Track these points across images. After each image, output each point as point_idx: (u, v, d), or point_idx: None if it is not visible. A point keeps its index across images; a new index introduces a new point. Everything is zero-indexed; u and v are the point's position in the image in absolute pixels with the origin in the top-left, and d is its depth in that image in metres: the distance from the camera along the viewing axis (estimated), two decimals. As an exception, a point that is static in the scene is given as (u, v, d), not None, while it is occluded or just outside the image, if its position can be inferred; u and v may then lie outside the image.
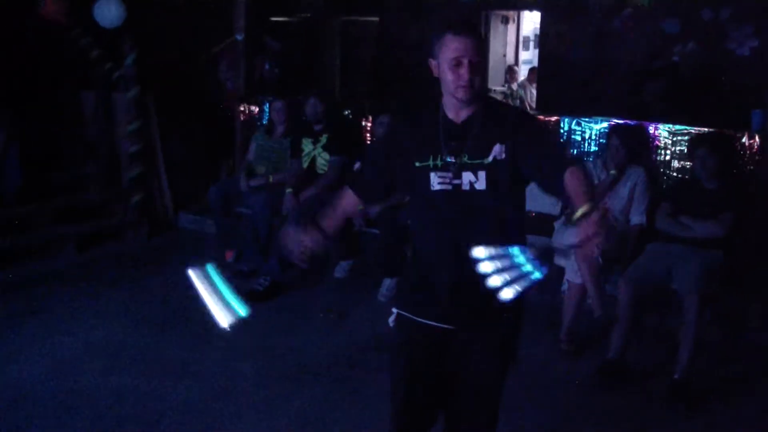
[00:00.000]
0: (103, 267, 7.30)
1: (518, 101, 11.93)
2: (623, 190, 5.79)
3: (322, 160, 6.93)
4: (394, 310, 3.17)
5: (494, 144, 2.89)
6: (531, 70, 12.41)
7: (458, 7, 10.24)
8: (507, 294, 2.57)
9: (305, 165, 6.99)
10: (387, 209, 6.38)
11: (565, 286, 5.70)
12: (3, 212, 7.32)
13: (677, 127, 6.27)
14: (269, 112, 7.70)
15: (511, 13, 12.09)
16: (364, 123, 7.59)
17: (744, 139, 5.96)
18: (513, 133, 2.89)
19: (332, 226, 3.39)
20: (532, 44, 13.31)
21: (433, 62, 2.96)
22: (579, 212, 2.60)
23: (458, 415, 3.14)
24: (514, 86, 12.10)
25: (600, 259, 5.39)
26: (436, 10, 10.40)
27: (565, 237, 5.56)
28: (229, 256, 7.35)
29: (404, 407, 3.16)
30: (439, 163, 2.95)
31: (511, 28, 12.56)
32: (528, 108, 11.44)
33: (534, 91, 11.86)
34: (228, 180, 7.83)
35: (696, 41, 8.71)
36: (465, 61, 2.83)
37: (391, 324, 3.18)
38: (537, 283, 2.59)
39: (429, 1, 10.42)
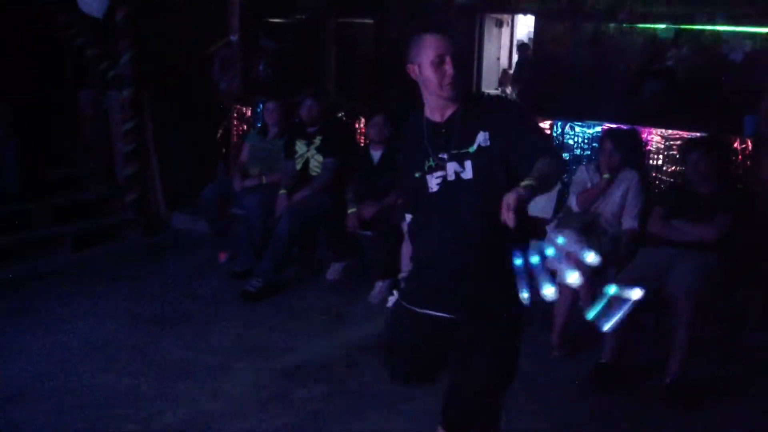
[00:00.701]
0: (100, 266, 7.31)
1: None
2: (616, 194, 5.81)
3: (316, 161, 6.94)
4: (395, 292, 3.33)
5: (477, 132, 2.93)
6: (504, 72, 12.45)
7: (454, 9, 10.27)
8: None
9: (299, 166, 7.00)
10: (381, 211, 6.40)
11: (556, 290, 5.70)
12: (0, 210, 7.33)
13: (670, 131, 6.29)
14: (263, 113, 7.71)
15: (506, 17, 12.11)
16: (357, 125, 7.60)
17: (736, 144, 5.99)
18: (495, 119, 2.94)
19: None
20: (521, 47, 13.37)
21: (412, 67, 3.04)
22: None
23: (457, 413, 3.15)
24: (508, 89, 12.14)
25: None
26: (432, 12, 10.44)
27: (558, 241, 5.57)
28: (223, 256, 7.37)
29: (401, 368, 3.36)
30: (433, 164, 3.00)
31: (505, 31, 12.60)
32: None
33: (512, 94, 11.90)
34: (222, 180, 7.84)
35: (690, 46, 8.75)
36: (447, 58, 2.92)
37: (389, 305, 3.27)
38: None
39: (425, 4, 10.45)
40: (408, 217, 3.28)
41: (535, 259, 2.81)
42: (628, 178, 5.83)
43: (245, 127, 8.49)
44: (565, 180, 6.38)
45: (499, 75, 12.30)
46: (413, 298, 3.18)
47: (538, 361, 5.36)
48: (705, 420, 4.68)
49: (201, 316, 6.09)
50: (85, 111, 8.71)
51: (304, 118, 7.02)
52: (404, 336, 3.28)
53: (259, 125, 7.93)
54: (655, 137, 6.33)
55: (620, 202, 5.80)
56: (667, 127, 6.35)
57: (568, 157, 6.66)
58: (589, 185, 5.90)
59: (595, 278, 5.54)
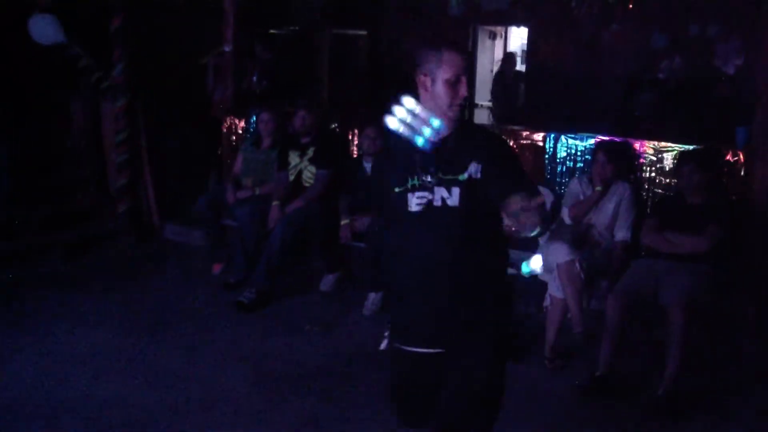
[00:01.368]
0: (91, 275, 7.29)
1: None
2: (608, 206, 5.82)
3: (309, 173, 6.95)
4: (386, 333, 3.23)
5: (470, 162, 2.89)
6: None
7: (447, 21, 10.30)
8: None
9: (292, 177, 7.00)
10: (374, 222, 6.40)
11: (548, 302, 5.72)
12: (-9, 217, 7.32)
13: (663, 143, 6.31)
14: (256, 124, 7.71)
15: (499, 29, 12.14)
16: (350, 136, 7.61)
17: (729, 156, 6.01)
18: (487, 154, 2.90)
19: None
20: (519, 59, 13.37)
21: (424, 78, 2.94)
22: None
23: (454, 421, 3.11)
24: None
25: (582, 275, 5.43)
26: (426, 24, 10.47)
27: (550, 253, 5.59)
28: (217, 268, 7.36)
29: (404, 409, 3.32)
30: (417, 183, 2.95)
31: (499, 43, 12.61)
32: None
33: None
34: (216, 190, 7.84)
35: (682, 57, 8.77)
36: (463, 78, 2.88)
37: (383, 347, 3.25)
38: None
39: (419, 15, 10.48)
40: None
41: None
42: (621, 191, 5.85)
43: (234, 138, 8.48)
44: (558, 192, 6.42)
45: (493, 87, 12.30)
46: (401, 336, 3.16)
47: (529, 373, 5.36)
48: (695, 431, 4.69)
49: (194, 327, 6.08)
50: (78, 120, 8.70)
51: (297, 129, 7.02)
52: (404, 376, 3.26)
53: (253, 136, 7.92)
54: (647, 149, 6.34)
55: (613, 214, 5.82)
56: (659, 139, 6.37)
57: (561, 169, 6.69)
58: (581, 197, 5.91)
59: (585, 291, 5.58)
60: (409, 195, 2.95)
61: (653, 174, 6.31)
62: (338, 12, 11.06)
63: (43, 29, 7.79)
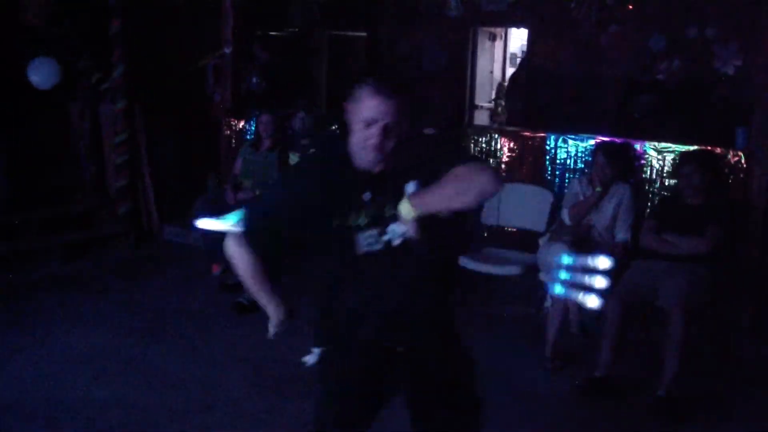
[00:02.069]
0: (90, 277, 7.30)
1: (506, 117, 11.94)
2: (608, 207, 5.81)
3: (309, 174, 6.93)
4: (315, 350, 2.96)
5: (409, 184, 2.62)
6: (499, 85, 12.43)
7: (447, 22, 10.30)
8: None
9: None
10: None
11: (548, 302, 5.72)
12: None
13: (662, 144, 6.31)
14: (256, 126, 7.71)
15: (498, 30, 12.12)
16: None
17: (728, 157, 6.01)
18: (424, 164, 2.69)
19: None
20: (518, 61, 13.36)
21: (348, 106, 2.70)
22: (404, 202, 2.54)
23: (436, 415, 3.01)
24: (503, 103, 12.11)
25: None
26: (426, 25, 10.46)
27: (550, 254, 5.59)
28: (216, 269, 7.34)
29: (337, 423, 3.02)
30: (362, 221, 2.71)
31: (498, 44, 12.59)
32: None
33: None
34: (215, 192, 7.82)
35: (681, 58, 8.77)
36: (379, 124, 2.61)
37: (310, 363, 2.97)
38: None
39: (418, 17, 10.48)
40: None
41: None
42: (621, 192, 5.84)
43: (234, 140, 8.48)
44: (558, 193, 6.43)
45: (495, 88, 12.26)
46: (338, 341, 2.94)
47: (529, 374, 5.36)
48: (697, 432, 4.69)
49: (193, 328, 6.07)
50: (77, 122, 8.70)
51: (297, 130, 7.02)
52: (341, 387, 3.00)
53: (252, 138, 7.92)
54: (647, 150, 6.34)
55: (612, 215, 5.81)
56: (659, 140, 6.37)
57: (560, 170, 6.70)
58: (581, 198, 5.91)
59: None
60: (358, 235, 2.72)
61: (653, 175, 6.31)
62: (337, 13, 11.05)
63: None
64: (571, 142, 6.69)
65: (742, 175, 5.98)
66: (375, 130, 2.61)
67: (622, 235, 5.80)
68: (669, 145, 6.28)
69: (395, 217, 2.62)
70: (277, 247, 2.85)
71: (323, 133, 7.34)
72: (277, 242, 2.82)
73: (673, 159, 6.14)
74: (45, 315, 6.21)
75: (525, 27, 10.59)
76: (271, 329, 3.08)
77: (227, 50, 8.58)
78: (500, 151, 7.05)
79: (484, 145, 7.11)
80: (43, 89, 7.88)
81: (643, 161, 6.34)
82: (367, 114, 2.61)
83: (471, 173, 2.58)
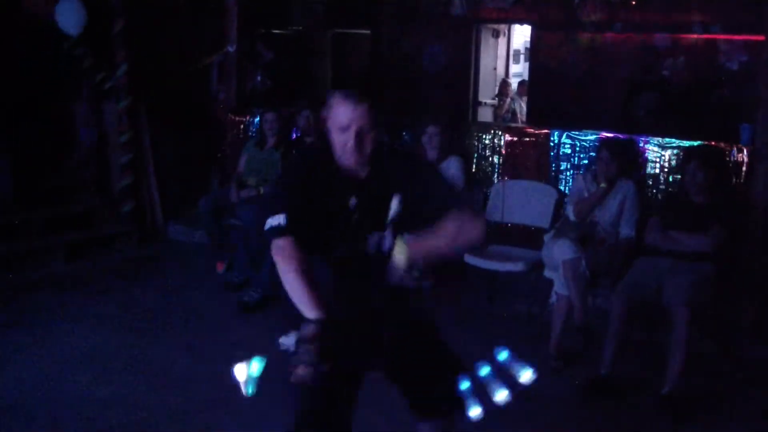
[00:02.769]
0: (93, 276, 7.30)
1: (510, 115, 11.94)
2: (612, 204, 5.80)
3: (313, 172, 6.92)
4: (292, 332, 2.94)
5: (392, 198, 2.89)
6: (520, 84, 12.43)
7: (449, 20, 10.28)
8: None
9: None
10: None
11: (553, 299, 5.71)
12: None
13: (667, 140, 6.30)
14: (261, 124, 7.70)
15: (502, 27, 12.10)
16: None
17: (733, 153, 5.99)
18: (407, 182, 2.90)
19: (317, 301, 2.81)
20: (522, 57, 13.34)
21: (323, 116, 2.96)
22: (402, 251, 2.74)
23: (421, 383, 3.18)
24: (508, 100, 12.10)
25: (587, 273, 5.42)
26: (429, 22, 10.45)
27: (555, 250, 5.58)
28: (221, 267, 7.35)
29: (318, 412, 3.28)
30: (349, 225, 2.91)
31: (502, 41, 12.57)
32: (519, 121, 11.47)
33: (524, 105, 11.90)
34: (219, 191, 7.83)
35: (686, 56, 8.75)
36: (353, 128, 2.82)
37: (286, 345, 2.98)
38: None
39: (421, 15, 10.47)
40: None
41: (485, 371, 2.78)
42: (625, 188, 5.82)
43: (240, 137, 8.48)
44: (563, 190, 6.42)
45: (498, 85, 12.25)
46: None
47: (539, 371, 5.34)
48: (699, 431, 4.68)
49: (197, 327, 6.07)
50: (81, 121, 8.70)
51: (302, 129, 7.01)
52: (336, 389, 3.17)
53: (256, 136, 7.91)
54: (651, 147, 6.33)
55: (617, 212, 5.79)
56: (663, 137, 6.36)
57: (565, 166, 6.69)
58: (585, 194, 5.90)
59: (589, 289, 5.56)
60: (338, 237, 2.92)
61: (657, 171, 6.29)
62: (340, 12, 11.05)
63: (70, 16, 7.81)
64: (575, 137, 6.67)
65: (745, 173, 5.95)
66: (350, 133, 2.82)
67: (626, 231, 5.78)
68: (673, 141, 6.27)
69: (373, 226, 2.87)
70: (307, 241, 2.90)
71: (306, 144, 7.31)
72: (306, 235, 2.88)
73: (677, 155, 6.13)
74: (46, 315, 6.22)
75: (528, 24, 10.57)
76: (286, 341, 2.99)
77: (231, 48, 8.58)
78: (504, 148, 7.04)
79: (487, 142, 7.10)
80: (73, 34, 7.86)
81: (647, 157, 6.32)
82: (341, 119, 2.83)
83: (461, 228, 2.83)
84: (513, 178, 6.93)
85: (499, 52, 12.51)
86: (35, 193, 7.92)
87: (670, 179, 6.25)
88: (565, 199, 6.18)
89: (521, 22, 10.96)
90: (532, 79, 10.65)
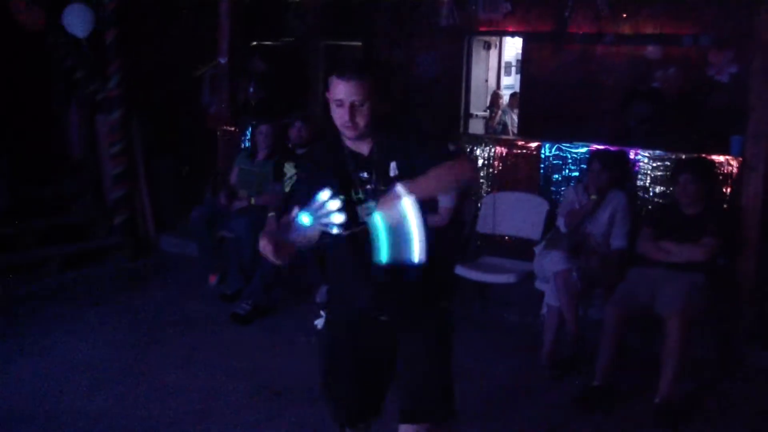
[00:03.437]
0: (86, 288, 7.29)
1: (501, 127, 11.97)
2: (603, 215, 5.83)
3: (304, 184, 6.93)
4: (323, 312, 3.37)
5: (390, 164, 3.06)
6: (512, 96, 12.47)
7: (441, 32, 10.31)
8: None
9: (288, 189, 6.99)
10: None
11: (545, 310, 5.73)
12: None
13: (658, 152, 6.33)
14: (253, 135, 7.71)
15: (493, 39, 12.13)
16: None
17: (723, 165, 6.02)
18: (407, 154, 3.05)
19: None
20: (513, 69, 13.38)
21: (327, 94, 3.07)
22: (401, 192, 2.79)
23: (412, 401, 3.21)
24: (499, 112, 12.14)
25: (579, 284, 5.44)
26: (420, 34, 10.48)
27: (547, 262, 5.60)
28: (213, 279, 7.36)
29: (345, 400, 3.36)
30: (362, 196, 3.09)
31: (493, 53, 12.60)
32: (510, 133, 11.51)
33: (515, 117, 11.94)
34: (211, 202, 7.84)
35: (677, 67, 8.80)
36: (347, 104, 2.96)
37: (319, 326, 3.37)
38: None
39: (412, 26, 10.49)
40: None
41: None
42: (616, 199, 5.85)
43: (230, 149, 8.49)
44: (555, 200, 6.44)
45: (489, 97, 12.28)
46: (341, 304, 3.32)
47: (525, 382, 5.37)
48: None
49: (190, 338, 6.07)
50: (73, 132, 8.70)
51: (294, 140, 7.03)
52: (341, 358, 3.34)
53: (248, 148, 7.93)
54: (642, 158, 6.36)
55: (608, 223, 5.82)
56: (654, 149, 6.39)
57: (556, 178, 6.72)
58: (576, 206, 5.93)
59: (582, 300, 5.59)
60: (358, 209, 3.07)
61: (648, 183, 6.32)
62: (332, 23, 11.08)
63: (77, 19, 7.83)
64: (566, 149, 6.70)
65: (736, 184, 5.98)
66: (344, 108, 2.97)
67: (618, 242, 5.81)
68: (664, 152, 6.30)
69: (382, 192, 2.95)
70: None
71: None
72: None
73: (668, 167, 6.15)
74: (43, 325, 6.21)
75: (519, 36, 10.61)
76: (319, 322, 3.47)
77: (222, 60, 8.59)
78: (495, 160, 7.06)
79: (478, 154, 7.13)
80: (81, 36, 7.88)
81: (638, 169, 6.35)
82: (337, 95, 2.98)
83: (454, 167, 3.00)
84: (504, 190, 6.95)
85: (490, 64, 12.53)
86: (29, 204, 7.91)
87: (659, 191, 6.26)
88: (557, 211, 6.20)
89: (513, 34, 10.99)
90: (523, 92, 10.68)
